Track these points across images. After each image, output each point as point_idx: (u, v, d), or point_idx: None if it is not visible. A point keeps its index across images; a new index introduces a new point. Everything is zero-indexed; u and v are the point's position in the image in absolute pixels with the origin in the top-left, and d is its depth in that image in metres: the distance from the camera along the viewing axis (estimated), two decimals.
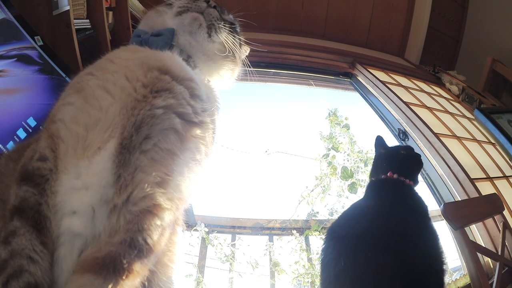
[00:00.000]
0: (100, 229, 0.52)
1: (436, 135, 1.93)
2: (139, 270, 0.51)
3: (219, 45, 0.83)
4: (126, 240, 0.50)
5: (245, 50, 0.97)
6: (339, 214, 2.67)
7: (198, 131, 0.63)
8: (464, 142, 2.06)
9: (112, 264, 0.48)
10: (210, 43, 0.81)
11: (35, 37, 1.21)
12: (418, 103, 2.28)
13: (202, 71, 0.81)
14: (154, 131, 0.57)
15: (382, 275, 0.95)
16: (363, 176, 2.81)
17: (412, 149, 1.39)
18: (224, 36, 0.82)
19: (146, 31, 0.81)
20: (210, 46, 0.82)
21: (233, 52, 0.85)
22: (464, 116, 2.45)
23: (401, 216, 1.09)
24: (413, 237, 1.04)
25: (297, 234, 2.63)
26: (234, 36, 0.85)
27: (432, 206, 1.21)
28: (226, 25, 0.84)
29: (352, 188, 2.79)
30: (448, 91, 2.77)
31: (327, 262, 1.08)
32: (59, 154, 0.55)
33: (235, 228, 2.65)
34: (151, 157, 0.55)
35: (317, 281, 2.36)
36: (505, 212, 1.44)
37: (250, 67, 0.93)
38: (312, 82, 2.64)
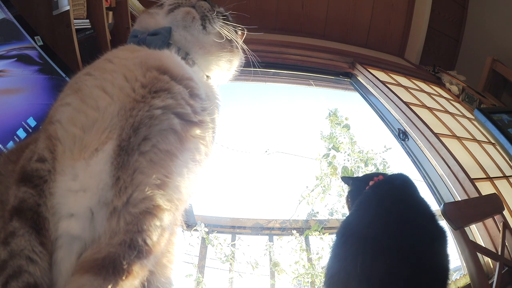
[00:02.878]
0: (100, 231, 0.51)
1: (436, 135, 1.92)
2: (139, 271, 0.51)
3: (214, 36, 0.82)
4: (126, 241, 0.50)
5: (242, 35, 0.95)
6: (339, 214, 2.69)
7: (197, 131, 0.63)
8: (464, 142, 2.06)
9: (112, 265, 0.48)
10: (206, 35, 0.80)
11: (35, 37, 1.21)
12: (418, 103, 2.28)
13: (201, 67, 0.80)
14: (152, 132, 0.56)
15: (396, 283, 0.94)
16: None
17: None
18: (219, 26, 0.81)
19: (142, 31, 0.80)
20: (206, 38, 0.81)
21: (230, 41, 0.84)
22: (464, 116, 2.44)
23: (419, 222, 1.09)
24: (428, 243, 1.03)
25: (297, 234, 2.63)
26: (228, 24, 0.84)
27: (432, 206, 1.21)
28: (219, 15, 0.83)
29: None
30: (448, 91, 2.77)
31: (341, 258, 1.06)
32: (57, 156, 0.55)
33: (235, 228, 2.65)
34: (150, 159, 0.55)
35: (317, 281, 2.36)
36: (505, 212, 1.44)
37: (250, 53, 0.90)
38: (312, 82, 2.64)
